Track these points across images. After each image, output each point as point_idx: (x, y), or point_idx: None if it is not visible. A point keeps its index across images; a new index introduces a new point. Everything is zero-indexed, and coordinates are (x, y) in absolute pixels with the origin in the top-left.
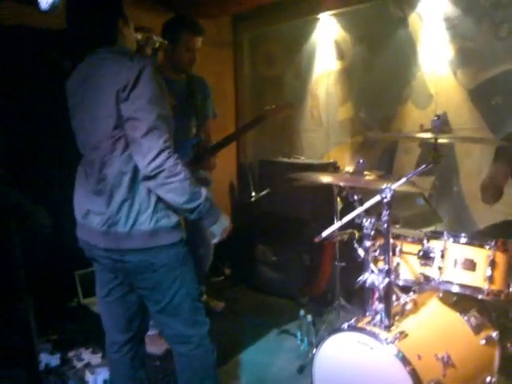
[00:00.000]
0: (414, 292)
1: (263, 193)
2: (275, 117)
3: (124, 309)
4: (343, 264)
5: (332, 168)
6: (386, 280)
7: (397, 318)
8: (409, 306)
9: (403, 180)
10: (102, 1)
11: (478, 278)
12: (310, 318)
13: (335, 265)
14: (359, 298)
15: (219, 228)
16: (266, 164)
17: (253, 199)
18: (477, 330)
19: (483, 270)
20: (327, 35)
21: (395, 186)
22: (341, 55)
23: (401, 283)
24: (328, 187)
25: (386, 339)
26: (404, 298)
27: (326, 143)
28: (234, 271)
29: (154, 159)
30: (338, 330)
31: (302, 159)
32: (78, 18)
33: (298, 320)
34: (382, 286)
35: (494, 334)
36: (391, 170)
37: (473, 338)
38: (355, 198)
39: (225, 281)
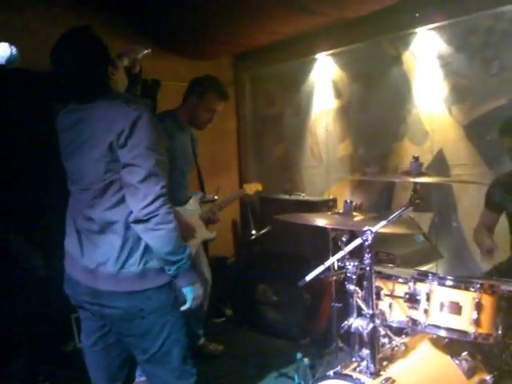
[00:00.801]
0: (407, 334)
1: (263, 231)
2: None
3: (111, 358)
4: (340, 305)
5: (332, 204)
6: (371, 325)
7: (385, 363)
8: (399, 350)
9: (383, 223)
10: (88, 54)
11: (463, 322)
12: (306, 361)
13: (333, 306)
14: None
15: (192, 293)
16: (266, 201)
17: (253, 237)
18: (469, 373)
19: (469, 313)
20: (325, 74)
21: (375, 228)
22: (338, 94)
23: (393, 325)
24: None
25: None
26: (396, 341)
27: (326, 180)
28: (236, 312)
29: (149, 204)
30: (325, 377)
31: (303, 196)
32: (64, 71)
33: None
34: (366, 332)
35: (488, 378)
36: (390, 207)
37: (465, 382)
38: (343, 239)
39: (226, 322)
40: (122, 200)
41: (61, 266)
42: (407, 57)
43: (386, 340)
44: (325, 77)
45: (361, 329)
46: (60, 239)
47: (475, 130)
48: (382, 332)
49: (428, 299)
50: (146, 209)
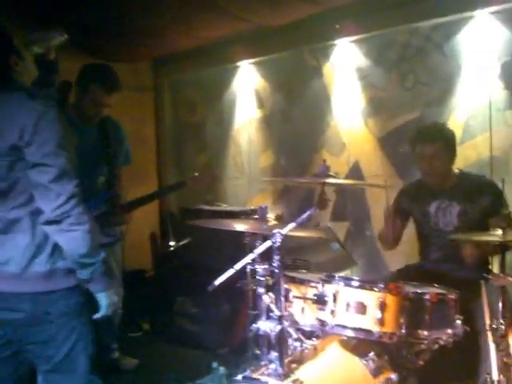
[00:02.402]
0: (318, 337)
1: (183, 242)
2: (197, 185)
3: (11, 370)
4: (256, 312)
5: (251, 214)
6: (278, 327)
7: (294, 365)
8: (308, 353)
9: (292, 225)
10: None
11: (368, 321)
12: (222, 370)
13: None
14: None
15: (107, 299)
16: (187, 212)
17: (172, 249)
18: (375, 373)
19: (374, 312)
20: (247, 83)
21: (285, 231)
22: (261, 104)
23: (305, 328)
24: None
25: None
26: (307, 343)
27: (248, 190)
28: (153, 325)
29: (62, 204)
30: (233, 381)
31: (225, 206)
32: None
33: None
34: (273, 334)
35: (393, 376)
36: (310, 217)
37: (372, 381)
38: (256, 244)
39: (143, 336)
40: (30, 199)
41: None
42: (327, 68)
43: (298, 344)
44: (247, 86)
45: (269, 331)
46: None
47: (389, 142)
48: (294, 336)
49: (335, 300)
50: (59, 209)
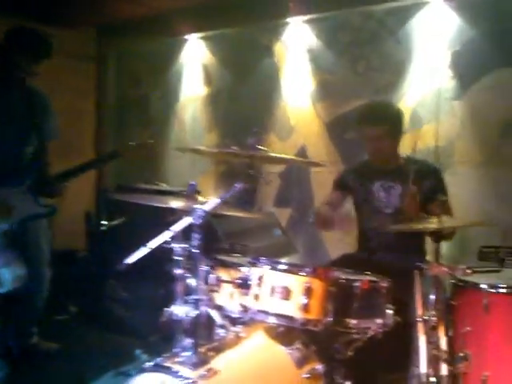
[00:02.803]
0: (244, 324)
1: (116, 222)
2: (134, 155)
3: None
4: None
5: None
6: (194, 312)
7: (211, 353)
8: (229, 340)
9: (217, 201)
10: None
11: (292, 307)
12: (145, 357)
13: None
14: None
15: (10, 274)
16: (123, 190)
17: (104, 228)
18: (300, 363)
19: (298, 298)
20: (195, 58)
21: (207, 207)
22: (208, 80)
23: (231, 314)
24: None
25: (189, 378)
26: (231, 330)
27: (191, 171)
28: (82, 309)
29: None
30: (143, 369)
31: (164, 186)
32: None
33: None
34: (189, 319)
35: (319, 367)
36: (253, 202)
37: (295, 371)
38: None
39: (70, 320)
40: None
41: None
42: (278, 48)
43: (222, 331)
44: (195, 60)
45: (183, 316)
46: None
47: (336, 127)
48: (219, 322)
49: (259, 284)
50: None
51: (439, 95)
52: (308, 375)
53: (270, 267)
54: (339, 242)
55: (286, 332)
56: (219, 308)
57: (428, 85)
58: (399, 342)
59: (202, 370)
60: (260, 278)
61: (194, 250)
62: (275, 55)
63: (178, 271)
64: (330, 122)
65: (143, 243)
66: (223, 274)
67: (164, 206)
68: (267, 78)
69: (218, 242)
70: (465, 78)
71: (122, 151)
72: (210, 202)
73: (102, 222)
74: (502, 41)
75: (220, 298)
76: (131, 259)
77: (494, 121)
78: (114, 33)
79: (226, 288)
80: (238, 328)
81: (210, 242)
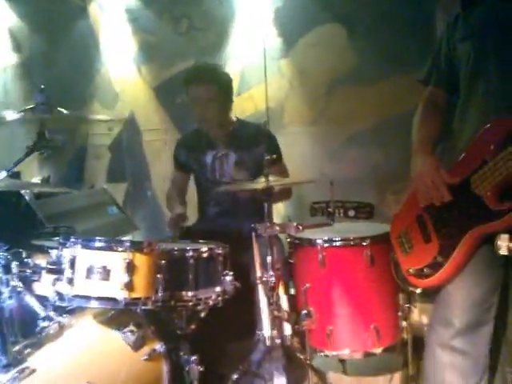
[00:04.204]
0: (72, 312)
1: None
2: None
3: None
4: None
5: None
6: None
7: (28, 351)
8: (52, 333)
9: (4, 173)
10: None
11: (113, 288)
12: None
13: None
14: None
15: None
16: None
17: None
18: (136, 345)
19: (119, 277)
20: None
21: None
22: (18, 47)
23: (51, 304)
24: None
25: None
26: (57, 321)
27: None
28: None
29: None
30: None
31: None
32: None
33: None
34: None
35: (158, 347)
36: (82, 178)
37: (132, 355)
38: None
39: None
40: None
41: None
42: (93, 8)
43: (47, 323)
44: (0, 26)
45: None
46: None
47: (165, 92)
48: (41, 314)
49: (72, 266)
50: None
51: (265, 55)
52: (147, 356)
53: (81, 246)
54: None
55: (119, 315)
56: (41, 298)
57: (254, 44)
58: (243, 307)
59: (14, 372)
60: (72, 260)
61: None
62: (90, 16)
63: None
64: (157, 87)
65: None
66: (42, 261)
67: None
68: (84, 43)
69: (39, 226)
70: (289, 36)
71: None
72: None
73: None
74: None
75: (41, 287)
76: None
77: (320, 78)
78: None
79: (48, 276)
80: (64, 318)
81: (28, 226)
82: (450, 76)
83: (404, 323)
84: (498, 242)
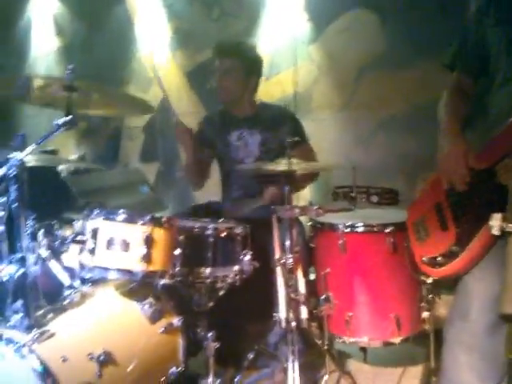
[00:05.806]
0: (95, 282)
1: None
2: None
3: None
4: None
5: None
6: (21, 271)
7: (50, 315)
8: (73, 300)
9: (32, 147)
10: None
11: (131, 260)
12: None
13: None
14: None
15: None
16: None
17: None
18: (153, 318)
19: (138, 249)
20: (44, 9)
21: (22, 155)
22: (60, 32)
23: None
24: None
25: (18, 342)
26: (79, 290)
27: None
28: None
29: None
30: None
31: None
32: None
33: None
34: (15, 279)
35: (176, 321)
36: (117, 158)
37: (149, 327)
38: None
39: None
40: None
41: None
42: None
43: (70, 291)
44: (44, 12)
45: (8, 277)
46: None
47: (197, 77)
48: (66, 283)
49: (94, 237)
50: None
51: (295, 40)
52: (163, 329)
53: (104, 218)
54: (209, 194)
55: (140, 288)
56: (69, 270)
57: (284, 29)
58: (263, 289)
59: (34, 333)
60: (95, 231)
61: (12, 205)
62: (127, 2)
63: None
64: (190, 72)
65: None
66: (71, 234)
67: None
68: (121, 28)
69: (72, 200)
70: (319, 21)
71: None
72: (26, 149)
73: None
74: None
75: (68, 258)
76: None
77: (349, 64)
78: None
79: (75, 247)
80: (86, 287)
81: (62, 200)
82: (477, 62)
83: (426, 314)
84: (490, 222)
